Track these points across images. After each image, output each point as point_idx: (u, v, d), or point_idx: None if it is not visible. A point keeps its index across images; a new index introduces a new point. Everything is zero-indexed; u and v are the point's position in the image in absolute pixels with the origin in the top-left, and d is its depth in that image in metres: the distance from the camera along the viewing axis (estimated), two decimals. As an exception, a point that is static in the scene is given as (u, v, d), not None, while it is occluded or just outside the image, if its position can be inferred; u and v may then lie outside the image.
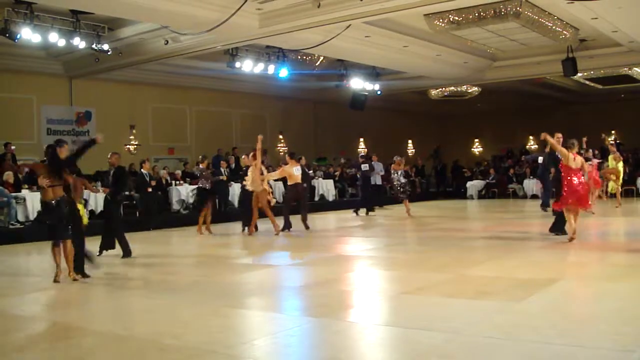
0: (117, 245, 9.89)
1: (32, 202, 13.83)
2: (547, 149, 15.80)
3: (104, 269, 8.63)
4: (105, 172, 11.43)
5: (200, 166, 14.10)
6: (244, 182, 13.37)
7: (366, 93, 22.04)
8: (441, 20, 14.17)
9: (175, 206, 17.13)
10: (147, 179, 14.22)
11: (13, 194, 13.71)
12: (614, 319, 5.17)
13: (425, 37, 16.47)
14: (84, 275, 7.92)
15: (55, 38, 13.93)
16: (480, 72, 20.76)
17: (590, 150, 16.14)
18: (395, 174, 16.70)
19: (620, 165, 16.64)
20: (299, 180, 13.72)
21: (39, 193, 13.97)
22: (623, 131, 26.69)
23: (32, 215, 13.76)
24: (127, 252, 9.77)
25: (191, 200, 16.58)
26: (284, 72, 18.31)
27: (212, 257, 10.54)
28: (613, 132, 27.32)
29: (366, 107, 22.74)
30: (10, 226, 13.33)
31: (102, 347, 5.00)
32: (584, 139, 14.93)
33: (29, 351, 4.99)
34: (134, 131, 20.38)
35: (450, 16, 13.93)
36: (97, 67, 17.30)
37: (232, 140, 22.71)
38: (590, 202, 10.64)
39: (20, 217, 13.73)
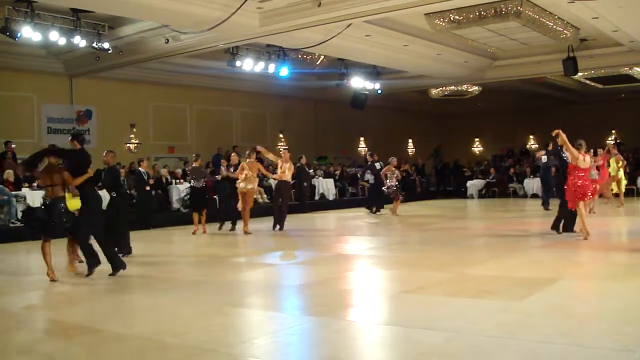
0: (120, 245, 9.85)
1: (32, 200, 13.83)
2: (550, 148, 15.79)
3: (103, 268, 8.60)
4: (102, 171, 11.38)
5: (194, 164, 14.00)
6: (238, 180, 13.36)
7: (367, 92, 22.02)
8: (442, 19, 14.15)
9: (176, 205, 17.17)
10: (145, 178, 14.20)
11: (13, 192, 13.72)
12: (616, 318, 5.16)
13: (425, 36, 16.46)
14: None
15: (56, 36, 13.91)
16: (481, 72, 20.74)
17: (591, 150, 16.10)
18: (390, 174, 16.71)
19: (621, 169, 16.50)
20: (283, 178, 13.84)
21: (39, 191, 14.14)
22: (623, 131, 26.71)
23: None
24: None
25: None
26: (284, 71, 18.29)
27: (212, 256, 10.52)
28: (613, 131, 27.36)
29: (367, 106, 22.72)
30: (11, 224, 13.34)
31: (103, 345, 5.00)
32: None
33: (29, 350, 4.98)
34: (134, 130, 20.38)
35: (450, 15, 13.92)
36: (97, 66, 17.29)
37: (232, 139, 22.69)
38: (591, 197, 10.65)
39: (21, 216, 13.73)
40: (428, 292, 6.52)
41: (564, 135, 10.02)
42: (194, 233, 13.41)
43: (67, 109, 19.12)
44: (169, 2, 12.17)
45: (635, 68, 20.45)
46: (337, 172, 23.18)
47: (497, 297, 6.16)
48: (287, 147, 22.69)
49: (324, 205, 20.74)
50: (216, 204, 15.87)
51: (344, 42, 15.46)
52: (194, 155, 14.59)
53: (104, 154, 9.96)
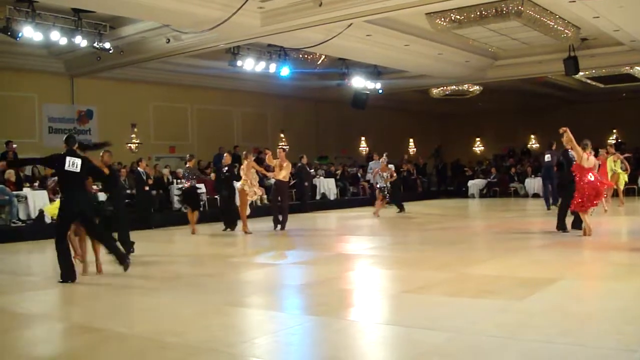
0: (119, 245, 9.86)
1: (33, 200, 13.86)
2: (554, 147, 15.78)
3: (107, 269, 8.61)
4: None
5: (187, 165, 13.89)
6: (241, 182, 13.33)
7: (367, 92, 22.02)
8: (443, 19, 14.15)
9: (177, 204, 17.15)
10: (144, 178, 14.23)
11: (14, 192, 13.73)
12: (617, 318, 5.15)
13: (426, 36, 16.45)
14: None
15: (57, 36, 13.92)
16: (482, 71, 20.73)
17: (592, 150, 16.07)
18: (386, 174, 16.67)
19: (617, 163, 16.42)
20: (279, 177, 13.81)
21: (39, 191, 14.16)
22: (624, 130, 26.68)
23: (34, 214, 13.79)
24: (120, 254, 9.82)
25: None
26: (285, 71, 18.29)
27: (213, 256, 10.53)
28: (615, 130, 27.33)
29: (367, 106, 22.72)
30: (12, 224, 13.35)
31: (103, 345, 4.99)
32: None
33: (29, 349, 4.99)
34: (135, 129, 20.39)
35: (451, 15, 13.92)
36: (98, 66, 17.31)
37: (233, 138, 22.70)
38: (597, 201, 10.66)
39: (22, 216, 13.76)
40: (429, 292, 6.51)
41: (570, 135, 9.98)
42: (193, 233, 13.41)
43: (68, 108, 19.14)
44: (169, 2, 12.18)
45: (636, 67, 20.43)
46: (338, 172, 23.18)
47: (498, 297, 6.15)
48: (286, 146, 22.76)
49: (325, 205, 20.75)
50: (216, 203, 15.87)
51: (345, 42, 15.46)
52: (187, 155, 14.53)
53: (101, 154, 9.97)
